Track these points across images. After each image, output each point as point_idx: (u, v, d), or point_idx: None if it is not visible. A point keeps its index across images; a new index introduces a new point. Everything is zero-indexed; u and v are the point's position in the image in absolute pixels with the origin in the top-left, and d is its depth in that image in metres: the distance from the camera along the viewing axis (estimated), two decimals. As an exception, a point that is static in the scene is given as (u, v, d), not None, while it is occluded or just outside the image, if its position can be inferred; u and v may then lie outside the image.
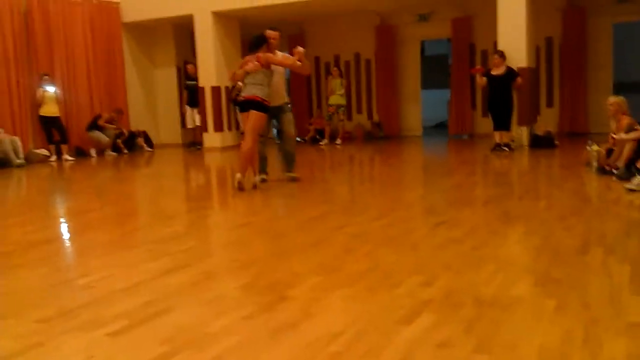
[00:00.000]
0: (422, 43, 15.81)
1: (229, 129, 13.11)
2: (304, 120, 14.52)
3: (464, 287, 2.93)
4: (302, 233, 4.39)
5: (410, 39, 13.94)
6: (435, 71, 17.87)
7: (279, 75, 6.67)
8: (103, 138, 12.24)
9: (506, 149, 9.64)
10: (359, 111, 14.49)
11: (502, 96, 9.79)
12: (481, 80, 10.07)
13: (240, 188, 6.23)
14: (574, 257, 3.42)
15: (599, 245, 3.63)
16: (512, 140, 9.89)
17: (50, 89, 11.44)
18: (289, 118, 6.82)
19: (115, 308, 2.82)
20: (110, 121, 12.41)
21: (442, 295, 2.82)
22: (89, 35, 12.52)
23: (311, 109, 14.81)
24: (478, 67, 11.17)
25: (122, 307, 2.83)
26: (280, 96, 6.71)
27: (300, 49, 6.58)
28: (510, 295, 2.79)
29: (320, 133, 13.43)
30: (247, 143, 6.37)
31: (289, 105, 7.09)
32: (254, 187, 6.38)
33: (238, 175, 6.31)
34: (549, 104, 12.58)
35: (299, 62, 6.56)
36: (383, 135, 13.91)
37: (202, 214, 5.63)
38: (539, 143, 9.97)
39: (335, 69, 13.07)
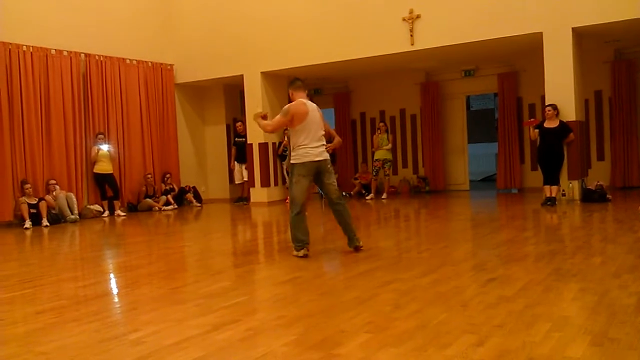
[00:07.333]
0: (468, 98, 15.85)
1: (275, 184, 13.27)
2: (349, 175, 14.62)
3: (517, 348, 2.84)
4: (349, 289, 4.36)
5: (456, 94, 14.01)
6: (482, 125, 17.85)
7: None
8: (153, 204, 12.75)
9: (557, 203, 9.46)
10: (405, 165, 14.50)
11: (553, 150, 9.68)
12: (534, 133, 9.98)
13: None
14: (631, 317, 3.29)
15: (659, 305, 3.49)
16: (563, 194, 9.69)
17: (104, 147, 11.87)
18: None
19: (164, 364, 2.84)
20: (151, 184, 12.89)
21: (494, 356, 2.74)
22: (144, 95, 13.01)
23: (357, 164, 14.91)
24: (532, 119, 11.05)
25: (172, 363, 2.84)
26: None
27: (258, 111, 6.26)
28: (565, 356, 2.70)
29: (366, 188, 13.47)
30: None
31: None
32: None
33: None
34: (600, 157, 12.34)
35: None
36: (429, 189, 13.84)
37: (249, 269, 5.66)
38: (591, 197, 9.76)
39: (382, 124, 13.19)
